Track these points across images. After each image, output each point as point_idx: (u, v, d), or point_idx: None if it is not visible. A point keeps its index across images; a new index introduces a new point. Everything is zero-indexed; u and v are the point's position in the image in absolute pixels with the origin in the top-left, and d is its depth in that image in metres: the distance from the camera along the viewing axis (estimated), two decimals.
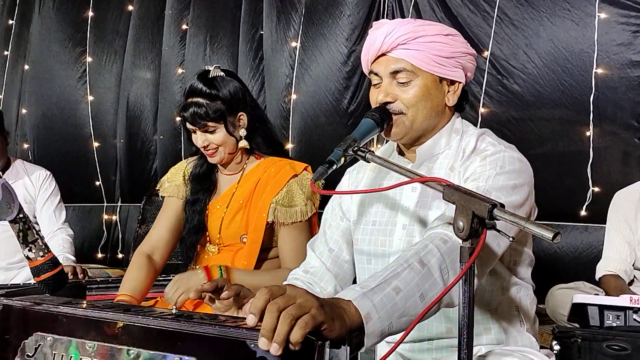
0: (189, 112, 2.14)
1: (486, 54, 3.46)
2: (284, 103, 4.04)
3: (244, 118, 2.20)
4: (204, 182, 2.29)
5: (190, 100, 2.15)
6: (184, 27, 4.53)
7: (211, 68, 2.21)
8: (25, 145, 5.12)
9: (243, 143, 2.21)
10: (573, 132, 3.29)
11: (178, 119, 4.30)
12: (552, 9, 3.32)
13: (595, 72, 3.20)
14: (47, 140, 5.04)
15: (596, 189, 3.19)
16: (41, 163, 4.86)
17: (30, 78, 5.12)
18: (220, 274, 2.09)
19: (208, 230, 2.27)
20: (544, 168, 3.27)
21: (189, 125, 2.19)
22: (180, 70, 4.51)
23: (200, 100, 2.14)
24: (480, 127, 1.66)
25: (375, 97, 1.57)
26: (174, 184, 2.35)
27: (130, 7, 4.87)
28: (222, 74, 2.20)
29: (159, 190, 2.42)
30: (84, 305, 1.27)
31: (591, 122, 3.21)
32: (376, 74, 1.58)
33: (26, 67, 5.17)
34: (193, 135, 2.21)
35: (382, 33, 1.54)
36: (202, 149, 2.21)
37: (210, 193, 2.29)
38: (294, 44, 4.03)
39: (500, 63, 3.44)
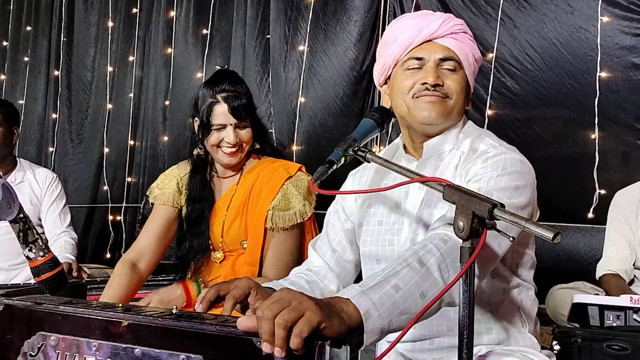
0: (233, 105, 2.08)
1: (491, 56, 3.46)
2: (291, 107, 4.06)
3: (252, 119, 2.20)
4: (204, 198, 2.22)
5: (226, 95, 2.10)
6: (204, 31, 4.55)
7: (222, 68, 2.23)
8: (50, 149, 5.19)
9: (256, 144, 2.21)
10: (578, 135, 3.30)
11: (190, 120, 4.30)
12: (555, 12, 3.33)
13: (599, 76, 3.21)
14: (68, 145, 5.13)
15: (602, 192, 3.19)
16: (59, 165, 4.94)
17: (64, 86, 5.23)
18: (198, 288, 2.10)
19: (211, 235, 2.22)
20: (549, 170, 3.27)
21: (219, 121, 2.10)
22: (199, 75, 4.52)
23: (239, 94, 2.11)
24: (487, 129, 1.67)
25: (421, 78, 1.54)
26: (166, 192, 2.28)
27: (139, 14, 4.94)
28: None
29: (148, 196, 2.39)
30: (84, 306, 1.27)
31: (596, 125, 3.23)
32: (418, 59, 1.56)
33: (55, 72, 5.25)
34: (217, 134, 2.12)
35: (438, 18, 1.56)
36: (224, 149, 2.13)
37: (210, 205, 2.22)
38: (301, 47, 4.04)
39: (504, 66, 3.45)
